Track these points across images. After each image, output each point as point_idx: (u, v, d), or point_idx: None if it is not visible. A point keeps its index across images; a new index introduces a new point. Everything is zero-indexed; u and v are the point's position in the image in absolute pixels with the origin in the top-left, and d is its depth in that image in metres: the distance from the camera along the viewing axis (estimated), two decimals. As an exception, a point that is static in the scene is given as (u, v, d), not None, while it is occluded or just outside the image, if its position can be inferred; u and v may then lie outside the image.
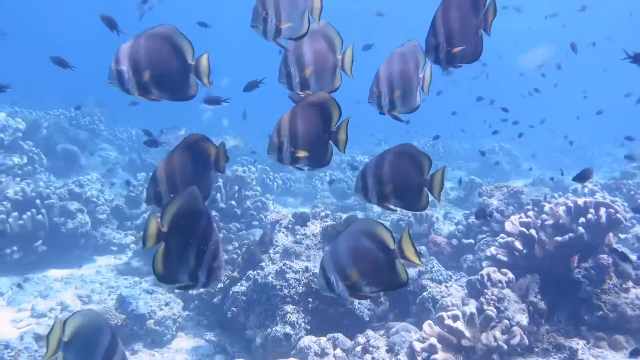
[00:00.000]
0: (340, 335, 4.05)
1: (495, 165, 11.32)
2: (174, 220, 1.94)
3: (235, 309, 4.73)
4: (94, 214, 7.35)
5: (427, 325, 3.68)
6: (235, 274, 5.07)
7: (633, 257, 4.32)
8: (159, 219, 1.94)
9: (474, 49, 2.29)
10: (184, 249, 1.94)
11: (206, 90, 2.51)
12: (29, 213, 6.41)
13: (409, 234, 2.04)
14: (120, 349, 2.09)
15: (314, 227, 5.21)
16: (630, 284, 3.92)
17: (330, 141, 2.38)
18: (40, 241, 6.41)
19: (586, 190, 6.61)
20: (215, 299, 5.10)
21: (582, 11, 10.54)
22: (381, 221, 2.10)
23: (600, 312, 3.85)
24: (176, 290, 5.24)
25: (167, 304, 5.11)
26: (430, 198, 2.41)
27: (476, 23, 2.26)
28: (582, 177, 4.21)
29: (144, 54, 2.18)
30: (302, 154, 2.30)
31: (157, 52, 2.20)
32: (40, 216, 6.51)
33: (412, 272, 4.84)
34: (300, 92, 2.49)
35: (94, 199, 7.49)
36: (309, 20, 2.38)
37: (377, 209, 8.71)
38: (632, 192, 7.08)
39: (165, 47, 2.21)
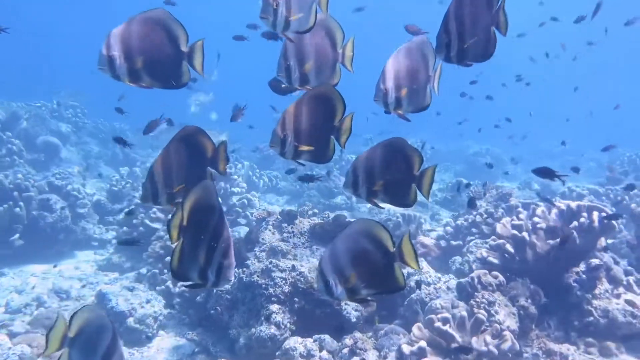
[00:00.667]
0: (327, 337, 3.95)
1: (487, 168, 11.26)
2: (191, 215, 1.87)
3: (218, 308, 4.61)
4: (74, 208, 7.15)
5: (416, 328, 3.60)
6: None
7: (623, 262, 4.29)
8: (182, 213, 1.87)
9: (485, 48, 2.20)
10: (198, 245, 1.87)
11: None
12: (6, 205, 6.21)
13: (409, 238, 1.96)
14: (120, 348, 2.06)
15: (302, 226, 5.10)
16: (621, 289, 3.88)
17: (332, 136, 2.29)
18: (18, 235, 6.22)
19: (574, 194, 6.59)
20: (198, 297, 4.96)
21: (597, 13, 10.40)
22: (380, 222, 2.02)
23: (591, 318, 3.80)
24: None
25: (148, 302, 4.97)
26: (420, 198, 2.34)
27: (489, 20, 2.17)
28: (544, 172, 4.04)
29: (136, 39, 2.07)
30: (305, 148, 2.21)
31: (150, 38, 2.10)
32: (18, 209, 6.31)
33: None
34: (299, 87, 2.40)
35: (75, 193, 7.29)
36: (316, 13, 2.28)
37: (364, 208, 8.63)
38: (619, 198, 7.08)
39: (158, 33, 2.11)
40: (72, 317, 1.97)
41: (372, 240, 1.93)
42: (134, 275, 5.87)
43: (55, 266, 6.26)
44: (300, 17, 2.23)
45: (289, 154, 2.23)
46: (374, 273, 1.95)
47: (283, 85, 3.25)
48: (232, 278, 1.90)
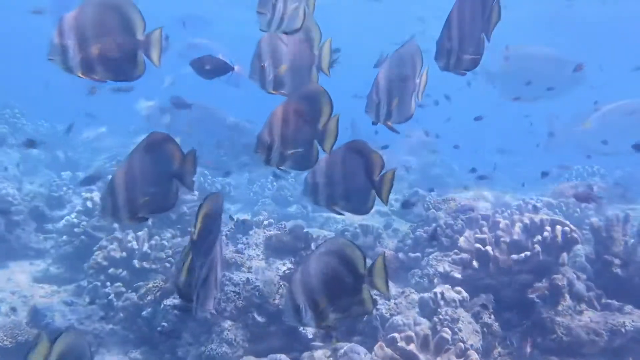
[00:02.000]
0: (282, 356, 3.74)
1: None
2: (200, 228, 1.69)
3: (166, 324, 4.32)
4: (8, 214, 6.63)
5: (378, 348, 3.42)
6: (167, 284, 4.63)
7: (583, 276, 4.27)
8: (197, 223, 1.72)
9: (476, 54, 2.08)
10: (195, 263, 1.69)
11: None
12: None
13: (383, 260, 1.80)
14: None
15: (257, 236, 4.87)
16: (584, 306, 3.84)
17: (315, 141, 2.13)
18: (-58, 243, 5.69)
19: (530, 207, 6.61)
20: (144, 312, 4.63)
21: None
22: (352, 241, 1.84)
23: (554, 336, 3.73)
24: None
25: (88, 317, 4.62)
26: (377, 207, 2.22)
27: (481, 26, 2.06)
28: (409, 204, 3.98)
29: (92, 26, 1.85)
30: (293, 154, 2.05)
31: (106, 25, 1.88)
32: (-57, 214, 5.78)
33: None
34: (273, 91, 2.21)
35: (9, 198, 6.77)
36: (304, 13, 2.10)
37: (321, 218, 8.44)
38: (571, 211, 7.19)
39: (114, 19, 1.89)
40: (52, 343, 1.87)
41: (346, 263, 1.77)
42: (73, 288, 5.45)
43: None
44: (292, 16, 2.06)
45: (274, 161, 2.05)
46: (344, 297, 1.79)
47: (207, 67, 3.04)
48: (211, 307, 1.68)
